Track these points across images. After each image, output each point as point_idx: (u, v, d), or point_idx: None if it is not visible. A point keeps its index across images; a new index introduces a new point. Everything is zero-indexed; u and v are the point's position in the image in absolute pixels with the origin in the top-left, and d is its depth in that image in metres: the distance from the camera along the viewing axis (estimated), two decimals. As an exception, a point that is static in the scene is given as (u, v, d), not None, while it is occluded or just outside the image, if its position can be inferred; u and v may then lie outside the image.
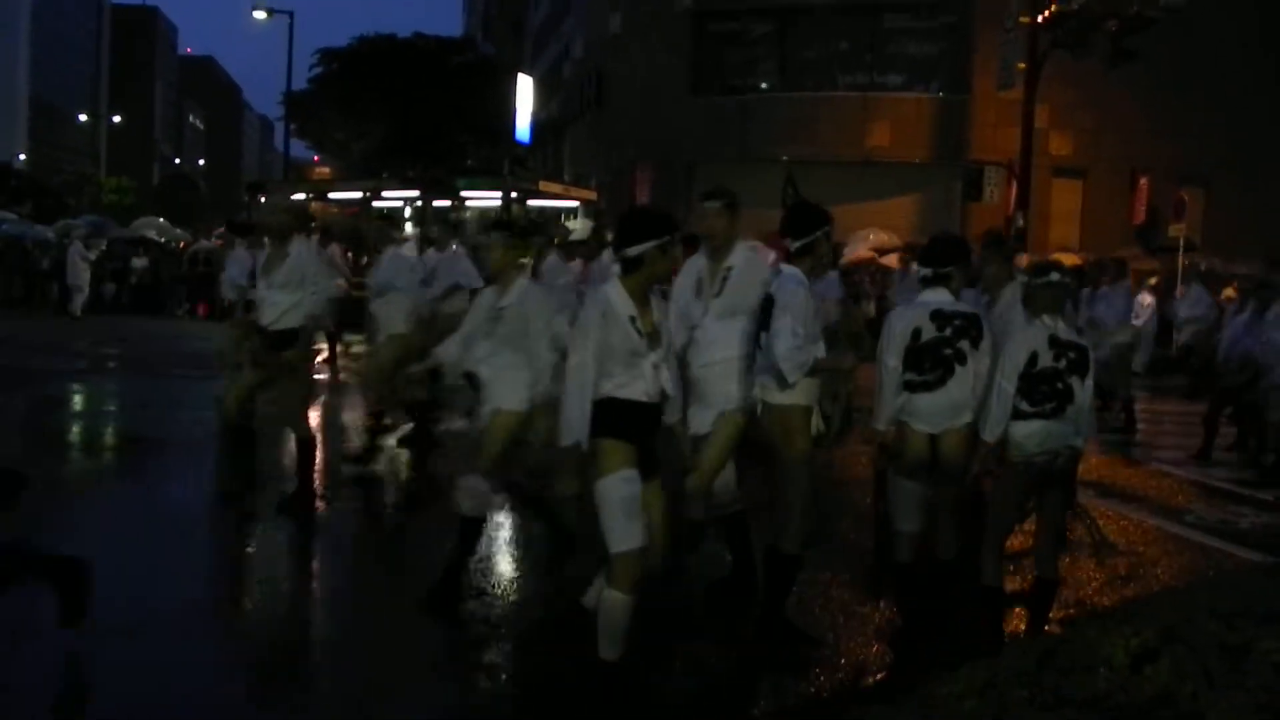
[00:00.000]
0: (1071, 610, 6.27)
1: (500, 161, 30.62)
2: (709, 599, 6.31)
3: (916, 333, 5.73)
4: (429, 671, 5.41)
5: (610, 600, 4.73)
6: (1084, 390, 5.64)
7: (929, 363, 5.75)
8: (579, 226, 27.75)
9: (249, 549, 7.23)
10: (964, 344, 5.79)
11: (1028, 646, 5.05)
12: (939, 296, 5.84)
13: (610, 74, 33.39)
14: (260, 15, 41.66)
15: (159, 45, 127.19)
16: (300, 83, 46.18)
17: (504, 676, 5.45)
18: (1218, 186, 26.62)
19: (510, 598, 6.33)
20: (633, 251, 4.79)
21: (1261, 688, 4.38)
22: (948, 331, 5.76)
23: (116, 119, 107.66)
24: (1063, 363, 5.56)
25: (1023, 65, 23.50)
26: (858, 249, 23.59)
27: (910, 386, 5.77)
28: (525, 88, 35.08)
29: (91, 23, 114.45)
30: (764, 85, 30.65)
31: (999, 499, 5.89)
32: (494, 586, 6.45)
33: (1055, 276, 5.71)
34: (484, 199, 25.49)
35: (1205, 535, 8.32)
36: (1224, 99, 25.87)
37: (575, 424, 4.67)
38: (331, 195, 26.35)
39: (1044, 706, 4.31)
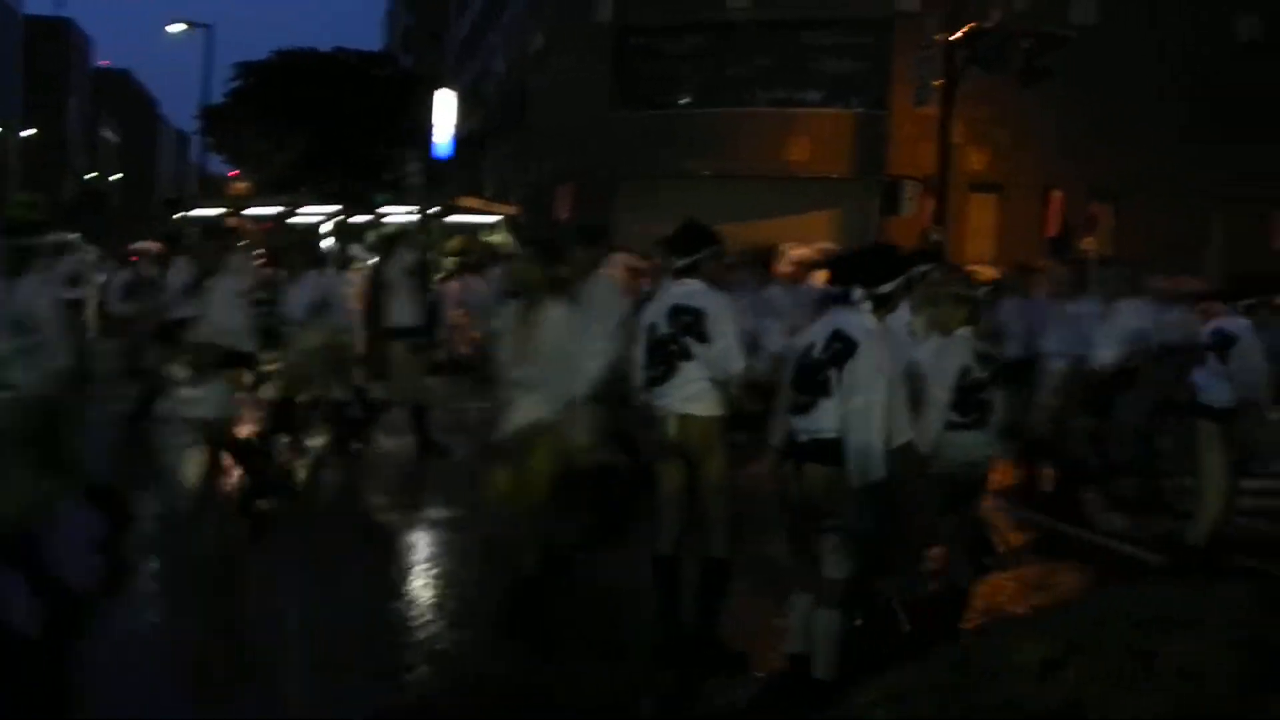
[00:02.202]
0: (983, 618, 6.32)
1: (420, 175, 30.30)
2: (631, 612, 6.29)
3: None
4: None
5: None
6: (999, 401, 5.78)
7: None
8: (500, 242, 27.64)
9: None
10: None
11: (939, 655, 5.08)
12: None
13: (532, 89, 33.37)
14: (178, 28, 41.10)
15: (73, 57, 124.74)
16: (218, 96, 45.65)
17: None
18: (1127, 201, 27.12)
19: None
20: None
21: (1168, 692, 4.44)
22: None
23: (27, 133, 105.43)
24: (986, 374, 5.68)
25: (939, 82, 23.82)
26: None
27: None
28: (446, 102, 34.84)
29: (3, 34, 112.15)
30: (685, 101, 30.76)
31: (920, 510, 5.93)
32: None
33: (981, 292, 5.84)
34: (402, 214, 25.28)
35: (1116, 542, 8.46)
36: (1134, 116, 26.38)
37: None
38: (248, 211, 25.97)
39: (955, 715, 4.33)
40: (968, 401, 5.64)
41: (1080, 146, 26.51)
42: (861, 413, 5.08)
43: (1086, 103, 26.02)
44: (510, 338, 6.41)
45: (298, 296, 10.12)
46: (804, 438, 5.22)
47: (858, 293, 5.27)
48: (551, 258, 6.60)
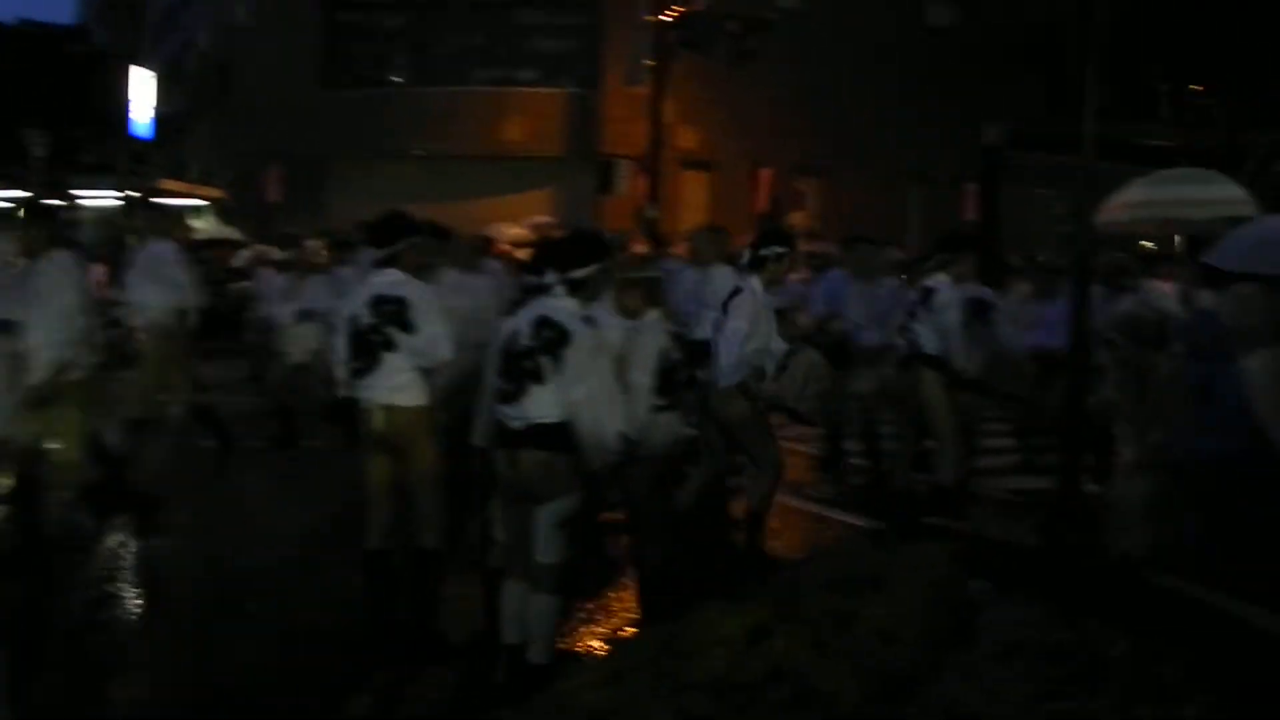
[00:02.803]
0: (699, 591, 6.40)
1: (119, 158, 28.58)
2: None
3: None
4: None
5: None
6: (688, 378, 5.87)
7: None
8: (206, 226, 26.49)
9: None
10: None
11: (652, 633, 5.11)
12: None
13: (237, 66, 31.92)
14: None
15: None
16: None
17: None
18: (831, 176, 28.31)
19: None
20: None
21: (867, 653, 4.59)
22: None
23: None
24: (680, 354, 5.74)
25: (651, 62, 24.19)
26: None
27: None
28: (143, 80, 32.96)
29: None
30: (398, 79, 30.15)
31: (644, 493, 5.99)
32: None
33: (662, 272, 5.88)
34: (101, 198, 23.88)
35: (824, 507, 8.75)
36: (837, 95, 27.55)
37: None
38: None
39: (665, 693, 4.33)
40: (669, 383, 5.67)
41: (787, 125, 27.48)
42: (587, 400, 5.06)
43: (792, 83, 27.00)
44: None
45: None
46: (517, 424, 5.14)
47: (552, 277, 5.22)
48: None
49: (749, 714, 4.22)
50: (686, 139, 27.87)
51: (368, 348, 5.88)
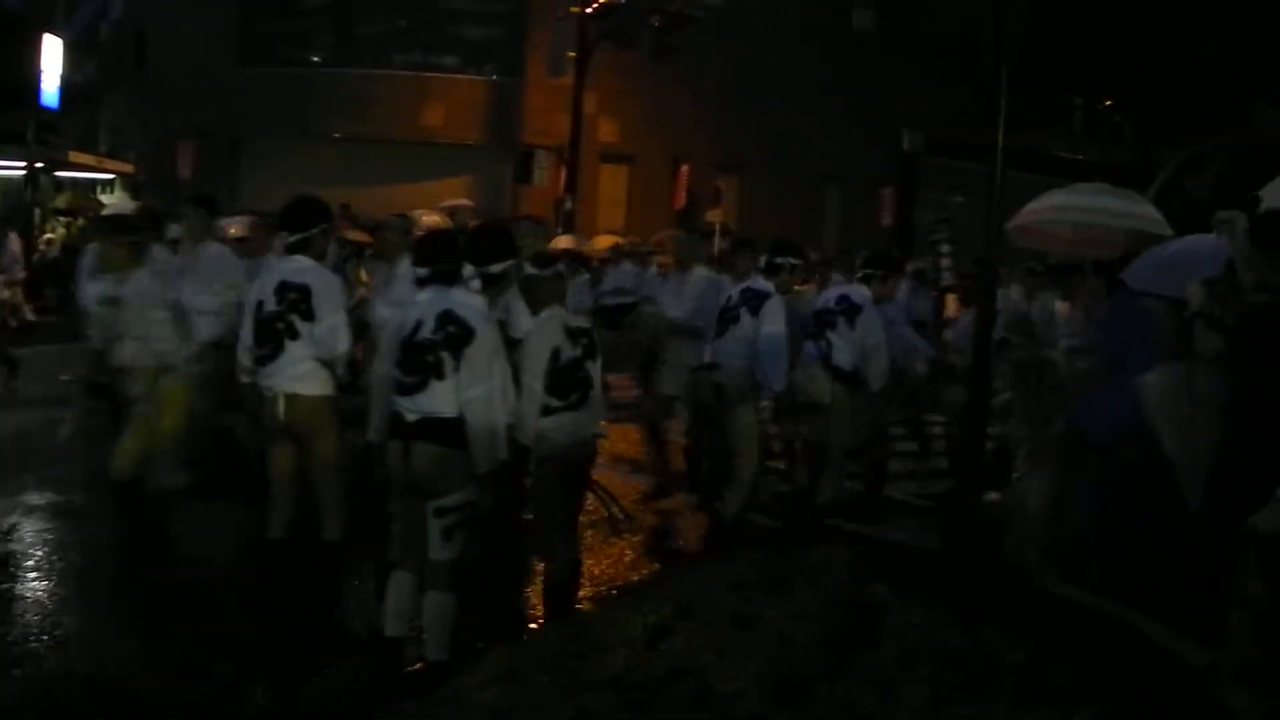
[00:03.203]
0: (601, 589, 6.39)
1: (25, 127, 27.75)
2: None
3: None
4: None
5: None
6: (597, 373, 5.78)
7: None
8: (116, 201, 25.91)
9: None
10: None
11: (552, 631, 5.09)
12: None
13: (152, 37, 31.14)
14: None
15: None
16: None
17: None
18: (751, 174, 28.42)
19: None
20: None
21: (765, 655, 4.61)
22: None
23: None
24: (579, 350, 5.64)
25: (573, 54, 24.09)
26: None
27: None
28: (52, 48, 32.04)
29: None
30: (318, 60, 29.66)
31: (541, 495, 5.92)
32: None
33: (561, 268, 5.83)
34: (6, 169, 23.23)
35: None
36: (758, 94, 27.65)
37: None
38: None
39: (564, 691, 4.32)
40: (565, 382, 5.56)
41: (708, 121, 27.55)
42: (484, 398, 5.01)
43: (714, 79, 27.07)
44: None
45: None
46: (414, 417, 5.08)
47: (468, 270, 5.15)
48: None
49: (648, 713, 4.23)
50: (607, 132, 27.82)
51: (271, 334, 5.81)
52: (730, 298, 7.82)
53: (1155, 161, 24.86)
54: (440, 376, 5.02)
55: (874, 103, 27.98)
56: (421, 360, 5.06)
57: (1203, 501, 5.85)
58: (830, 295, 8.58)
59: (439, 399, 5.03)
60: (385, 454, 5.26)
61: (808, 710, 4.35)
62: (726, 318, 7.69)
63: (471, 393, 5.00)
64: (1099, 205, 9.13)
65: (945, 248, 12.76)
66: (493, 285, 5.20)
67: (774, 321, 7.49)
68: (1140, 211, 9.07)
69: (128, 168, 28.74)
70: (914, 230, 23.62)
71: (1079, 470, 6.74)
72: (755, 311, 7.52)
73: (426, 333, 5.05)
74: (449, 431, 5.03)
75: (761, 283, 7.73)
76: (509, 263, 5.28)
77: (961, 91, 28.02)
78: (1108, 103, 34.49)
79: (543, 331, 5.58)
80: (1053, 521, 6.83)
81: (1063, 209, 9.19)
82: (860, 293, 8.40)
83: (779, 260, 7.88)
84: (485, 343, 5.06)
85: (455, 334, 5.02)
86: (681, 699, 4.27)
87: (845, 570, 5.50)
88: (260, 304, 5.86)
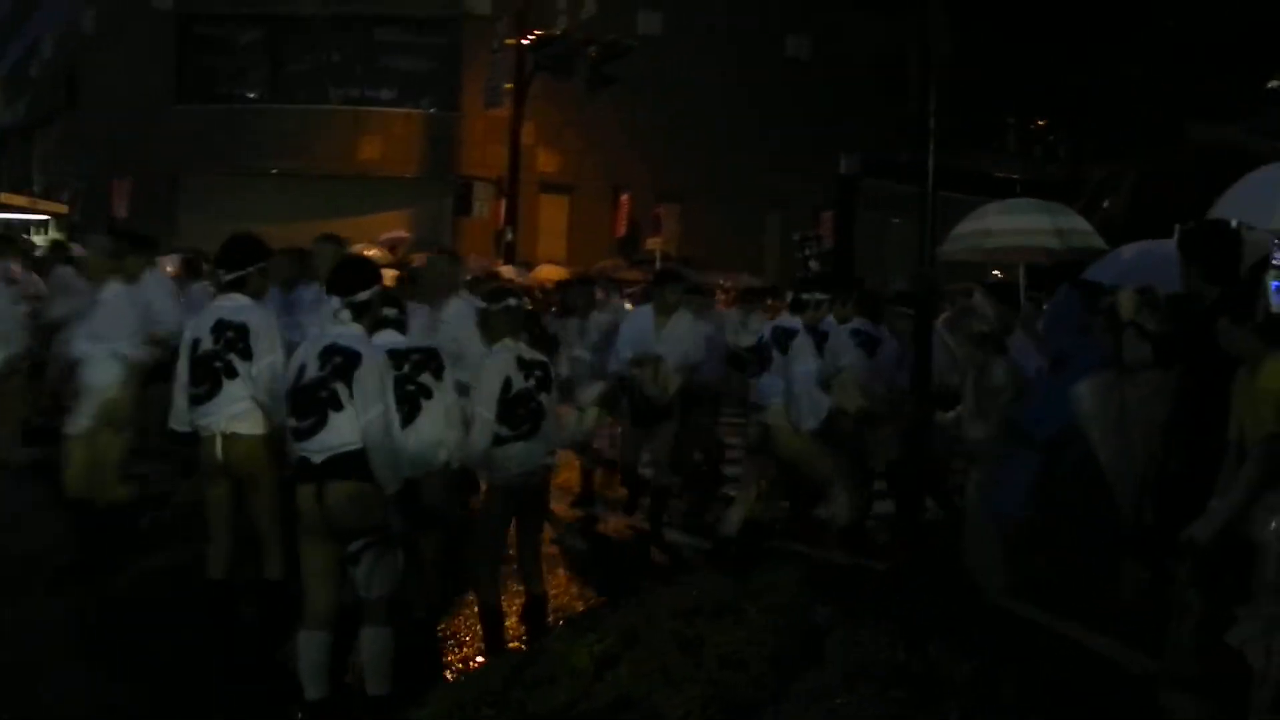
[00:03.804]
0: (550, 620, 6.34)
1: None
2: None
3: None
4: None
5: None
6: (550, 405, 5.84)
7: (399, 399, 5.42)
8: (49, 242, 25.55)
9: None
10: (426, 378, 5.60)
11: (496, 664, 5.05)
12: (392, 337, 5.57)
13: (85, 74, 30.84)
14: None
15: None
16: None
17: None
18: (691, 202, 28.57)
19: None
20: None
21: (712, 681, 4.60)
22: (406, 368, 5.53)
23: None
24: (532, 382, 5.70)
25: (510, 85, 24.13)
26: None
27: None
28: (-18, 88, 31.71)
29: None
30: (253, 95, 29.53)
31: (485, 523, 5.93)
32: None
33: (512, 302, 5.84)
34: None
35: (678, 533, 8.71)
36: (696, 122, 27.81)
37: None
38: None
39: (511, 723, 4.29)
40: (515, 413, 5.60)
41: (648, 150, 27.67)
42: (377, 423, 4.95)
43: (652, 108, 27.20)
44: None
45: None
46: (321, 457, 4.96)
47: (336, 302, 5.09)
48: None
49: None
50: (546, 162, 27.89)
51: (208, 373, 5.75)
52: (762, 336, 8.06)
53: (1083, 179, 25.31)
54: (338, 407, 4.93)
55: (812, 128, 28.20)
56: (314, 399, 4.95)
57: (1136, 510, 5.93)
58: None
59: (342, 430, 4.93)
60: (296, 499, 5.10)
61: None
62: (762, 356, 7.86)
63: (368, 415, 4.92)
64: (1037, 225, 9.28)
65: (814, 264, 12.84)
66: (363, 313, 5.15)
67: (803, 359, 7.61)
68: (1071, 226, 9.22)
69: (62, 208, 28.40)
70: (854, 252, 23.77)
71: (1016, 465, 6.75)
72: (784, 349, 7.65)
73: (313, 373, 4.97)
74: (359, 464, 4.94)
75: (789, 320, 7.85)
76: (374, 289, 5.24)
77: (896, 114, 28.43)
78: (1040, 122, 35.00)
79: (495, 363, 5.65)
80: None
81: (1004, 234, 9.32)
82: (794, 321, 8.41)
83: (805, 296, 7.96)
84: (372, 365, 5.00)
85: (341, 363, 4.94)
86: (627, 729, 4.26)
87: (790, 592, 5.51)
88: (196, 342, 5.80)
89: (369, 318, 5.15)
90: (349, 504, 4.93)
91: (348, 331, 5.03)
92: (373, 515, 4.95)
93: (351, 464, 4.93)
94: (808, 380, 7.60)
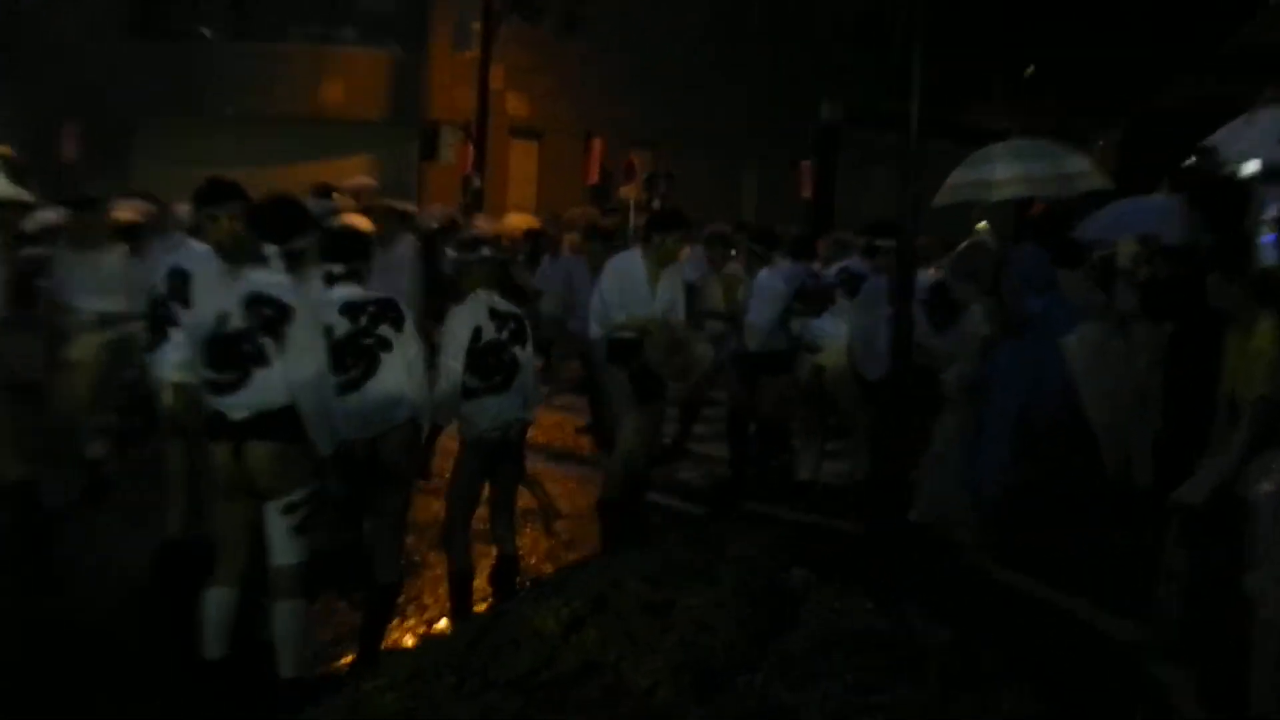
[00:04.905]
0: (518, 581, 6.13)
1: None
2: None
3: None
4: None
5: None
6: (526, 359, 5.68)
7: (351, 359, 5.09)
8: None
9: None
10: (385, 329, 5.14)
11: (460, 628, 4.86)
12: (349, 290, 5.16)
13: (27, 12, 29.89)
14: None
15: None
16: None
17: None
18: (665, 149, 28.20)
19: None
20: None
21: (682, 645, 4.43)
22: (363, 321, 5.10)
23: None
24: (505, 334, 5.60)
25: (478, 26, 23.68)
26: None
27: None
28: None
29: None
30: (209, 33, 28.73)
31: (456, 484, 5.76)
32: None
33: (486, 251, 5.71)
34: None
35: (658, 494, 8.31)
36: (671, 65, 27.41)
37: None
38: None
39: (469, 692, 4.10)
40: (486, 364, 5.45)
41: (621, 95, 27.23)
42: (314, 379, 4.65)
43: (626, 53, 26.75)
44: None
45: None
46: (241, 414, 4.61)
47: (270, 249, 4.73)
48: None
49: (558, 711, 4.04)
50: (515, 107, 27.42)
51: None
52: (826, 276, 7.99)
53: (1072, 130, 25.13)
54: (263, 364, 4.60)
55: (791, 75, 27.85)
56: (236, 352, 4.61)
57: (1123, 468, 5.81)
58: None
59: (267, 389, 4.59)
60: (209, 457, 4.80)
61: (726, 700, 4.18)
62: (823, 297, 7.78)
63: (301, 374, 4.61)
64: (1042, 173, 9.02)
65: (656, 203, 12.35)
66: (298, 264, 4.80)
67: (871, 306, 7.52)
68: (1077, 169, 8.96)
69: (6, 150, 27.65)
70: (834, 202, 23.48)
71: (987, 438, 6.63)
72: (852, 294, 7.59)
73: (236, 322, 4.61)
74: (284, 424, 4.62)
75: (859, 263, 7.71)
76: (311, 237, 4.89)
77: (876, 61, 28.13)
78: (1028, 71, 34.72)
79: (464, 312, 5.53)
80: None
81: (994, 185, 9.07)
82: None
83: (879, 243, 7.78)
84: (304, 319, 4.67)
85: (271, 316, 4.60)
86: (593, 695, 4.09)
87: (763, 554, 5.35)
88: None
89: (303, 265, 4.81)
90: (272, 466, 4.62)
91: (274, 280, 4.66)
92: (300, 478, 4.67)
93: (276, 423, 4.60)
94: (874, 328, 7.45)
